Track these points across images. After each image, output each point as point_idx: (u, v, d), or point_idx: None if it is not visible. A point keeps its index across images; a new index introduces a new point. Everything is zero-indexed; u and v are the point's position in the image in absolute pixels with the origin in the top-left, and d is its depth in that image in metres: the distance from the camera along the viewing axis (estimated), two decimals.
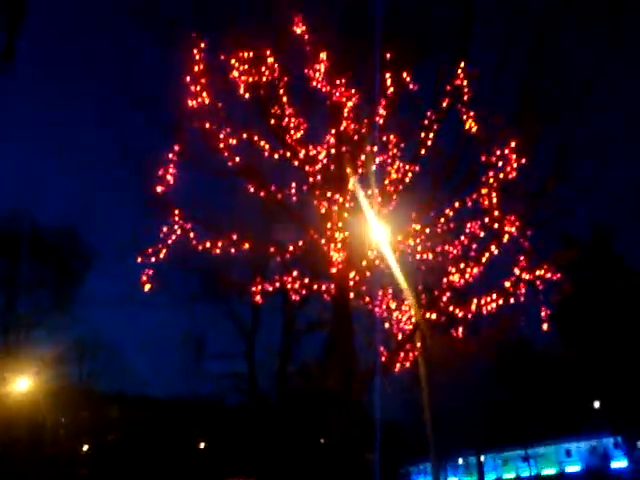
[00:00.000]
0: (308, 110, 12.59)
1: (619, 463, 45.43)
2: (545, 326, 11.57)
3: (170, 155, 11.65)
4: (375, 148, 12.12)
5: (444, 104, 12.05)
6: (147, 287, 11.29)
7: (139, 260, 11.27)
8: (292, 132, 12.05)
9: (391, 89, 12.23)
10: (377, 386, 12.15)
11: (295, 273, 12.30)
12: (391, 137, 12.48)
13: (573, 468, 52.60)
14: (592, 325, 36.33)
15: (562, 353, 41.35)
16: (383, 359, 12.17)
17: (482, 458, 53.71)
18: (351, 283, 11.97)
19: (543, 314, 11.58)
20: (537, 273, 11.30)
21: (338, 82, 12.22)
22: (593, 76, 11.11)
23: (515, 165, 11.15)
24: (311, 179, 12.04)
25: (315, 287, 12.38)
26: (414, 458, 56.94)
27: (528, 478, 52.99)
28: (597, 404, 44.66)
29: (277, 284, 12.30)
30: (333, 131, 12.34)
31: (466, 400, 43.44)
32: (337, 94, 12.23)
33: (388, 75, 12.18)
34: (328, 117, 12.52)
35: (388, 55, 12.03)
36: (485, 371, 41.40)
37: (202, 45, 11.91)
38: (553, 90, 11.43)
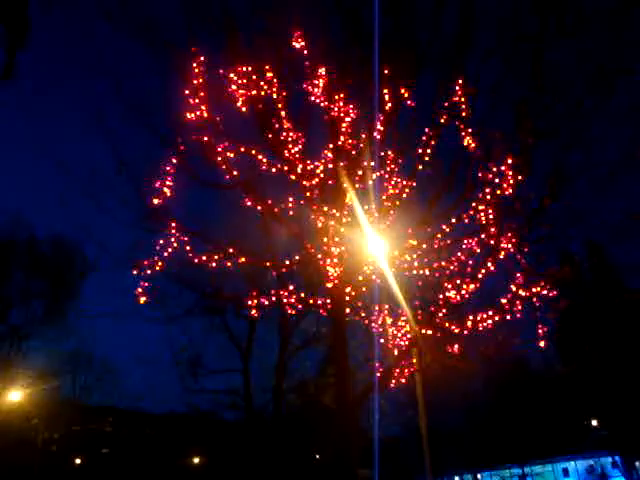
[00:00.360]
0: (306, 125, 12.63)
1: None
2: (542, 343, 11.53)
3: (167, 167, 11.65)
4: (372, 163, 12.13)
5: (442, 120, 12.09)
6: (142, 299, 11.24)
7: (134, 272, 11.23)
8: (290, 146, 12.06)
9: (389, 104, 12.28)
10: (374, 402, 12.05)
11: (291, 287, 12.26)
12: (388, 152, 12.51)
13: None
14: (589, 342, 36.22)
15: (559, 371, 41.19)
16: (379, 375, 12.10)
17: (479, 476, 53.30)
18: (347, 298, 11.93)
19: (540, 331, 11.54)
20: (534, 290, 11.27)
21: (336, 97, 12.27)
22: (589, 93, 11.17)
23: (512, 182, 11.16)
24: (308, 193, 12.04)
25: (311, 302, 12.34)
26: (410, 475, 56.53)
27: None
28: (595, 423, 44.40)
29: (273, 298, 12.24)
30: (331, 146, 12.37)
31: (463, 418, 43.21)
32: (335, 109, 12.27)
33: (386, 91, 12.23)
34: (326, 132, 12.54)
35: (386, 71, 12.09)
36: (482, 389, 41.23)
37: (201, 59, 11.97)
38: (549, 106, 11.47)
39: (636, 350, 33.89)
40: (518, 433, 42.33)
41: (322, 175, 12.30)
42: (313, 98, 12.43)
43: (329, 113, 12.32)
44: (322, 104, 12.38)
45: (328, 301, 12.01)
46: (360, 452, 11.62)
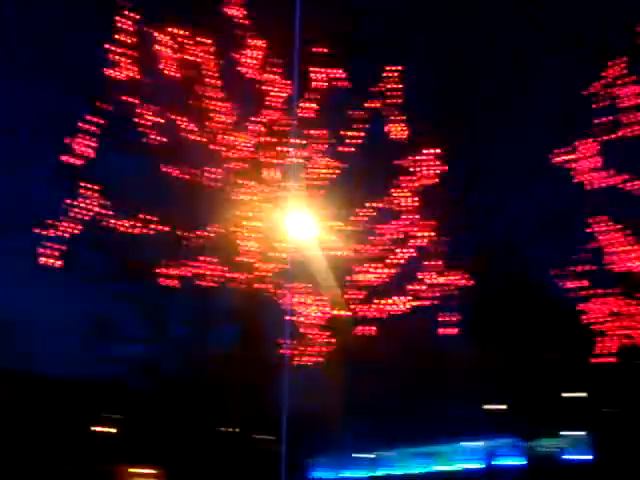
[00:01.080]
0: (236, 97, 12.41)
1: (515, 462, 47.76)
2: (454, 330, 11.96)
3: (91, 127, 11.17)
4: (301, 141, 12.10)
5: (373, 105, 12.20)
6: (56, 262, 10.78)
7: (39, 232, 10.66)
8: (216, 116, 11.83)
9: (322, 84, 12.25)
10: (284, 377, 12.18)
11: (210, 260, 12.12)
12: (319, 132, 12.49)
13: (470, 466, 54.84)
14: (496, 332, 37.88)
15: (468, 357, 42.98)
16: (293, 351, 12.22)
17: (376, 455, 54.97)
18: (265, 274, 11.93)
19: (452, 318, 11.97)
20: (449, 278, 11.69)
21: (270, 73, 12.13)
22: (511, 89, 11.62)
23: (434, 172, 11.47)
24: (233, 165, 11.88)
25: (229, 275, 12.24)
26: (319, 451, 57.60)
27: (425, 474, 54.77)
28: (495, 405, 46.72)
29: (192, 269, 12.07)
30: (260, 120, 12.23)
31: (371, 397, 44.38)
32: (267, 84, 12.13)
33: (321, 70, 12.19)
34: (256, 106, 12.39)
35: (321, 51, 12.06)
36: (399, 372, 42.36)
37: (135, 16, 11.50)
38: (470, 103, 11.87)
39: (538, 342, 35.77)
40: (421, 413, 43.94)
41: (247, 148, 12.14)
42: (245, 70, 12.21)
43: (260, 87, 12.16)
44: (254, 77, 12.19)
45: (246, 276, 11.97)
46: (272, 425, 11.73)
